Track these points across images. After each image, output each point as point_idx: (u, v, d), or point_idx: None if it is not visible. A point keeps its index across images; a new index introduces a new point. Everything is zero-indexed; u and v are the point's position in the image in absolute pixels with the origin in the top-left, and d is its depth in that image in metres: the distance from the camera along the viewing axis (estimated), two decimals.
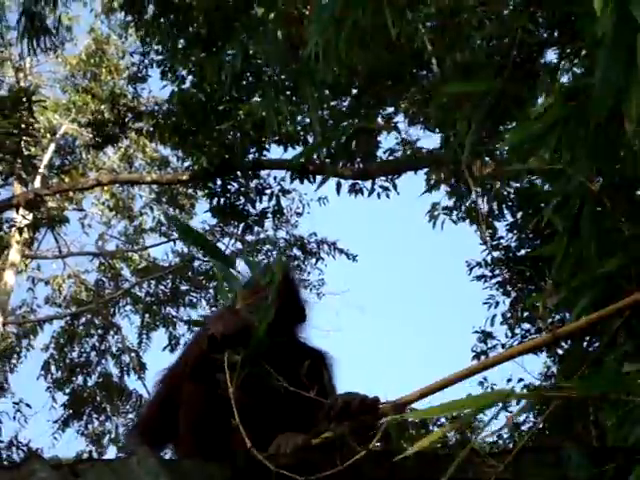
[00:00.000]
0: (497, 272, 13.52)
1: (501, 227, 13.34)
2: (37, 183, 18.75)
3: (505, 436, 13.71)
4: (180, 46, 14.28)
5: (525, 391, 13.13)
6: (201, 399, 3.75)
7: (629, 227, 3.07)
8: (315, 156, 14.57)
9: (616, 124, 3.03)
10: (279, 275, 3.68)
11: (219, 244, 19.60)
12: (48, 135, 21.38)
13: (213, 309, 19.69)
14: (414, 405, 3.24)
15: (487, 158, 11.27)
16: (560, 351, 10.79)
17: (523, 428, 12.83)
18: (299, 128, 14.37)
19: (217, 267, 3.68)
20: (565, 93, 3.14)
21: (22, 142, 14.38)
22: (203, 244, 3.93)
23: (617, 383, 2.56)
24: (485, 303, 13.57)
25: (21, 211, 15.93)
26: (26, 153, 14.58)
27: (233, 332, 3.50)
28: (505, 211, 13.26)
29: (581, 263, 3.13)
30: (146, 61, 15.99)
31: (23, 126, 14.44)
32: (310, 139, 14.77)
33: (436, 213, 12.84)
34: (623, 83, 2.80)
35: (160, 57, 15.09)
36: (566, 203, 3.18)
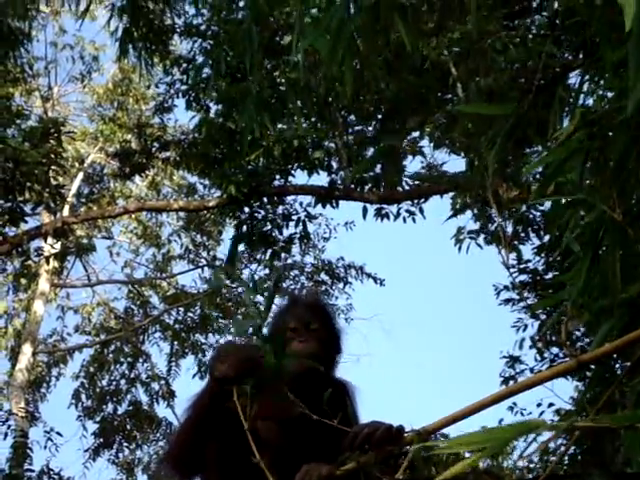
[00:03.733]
0: (525, 295, 13.45)
1: (528, 250, 13.29)
2: (65, 212, 18.86)
3: (535, 460, 13.62)
4: (205, 75, 14.39)
5: (556, 417, 13.09)
6: (223, 441, 3.75)
7: None
8: (339, 181, 14.63)
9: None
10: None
11: (246, 270, 19.68)
12: (76, 164, 21.55)
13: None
14: (444, 431, 3.23)
15: (511, 182, 11.26)
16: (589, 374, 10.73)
17: (552, 455, 12.73)
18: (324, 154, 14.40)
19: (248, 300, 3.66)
20: (586, 119, 3.14)
21: (50, 171, 14.47)
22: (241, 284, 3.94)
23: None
24: (513, 326, 13.50)
25: (49, 240, 16.02)
26: (54, 182, 14.68)
27: (237, 370, 3.49)
28: (531, 234, 13.22)
29: (602, 289, 3.12)
30: (172, 91, 16.08)
31: (52, 156, 14.56)
32: (335, 164, 14.82)
33: (462, 237, 12.81)
34: None
35: (185, 87, 15.18)
36: (588, 230, 3.18)
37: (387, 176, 14.51)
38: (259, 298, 3.67)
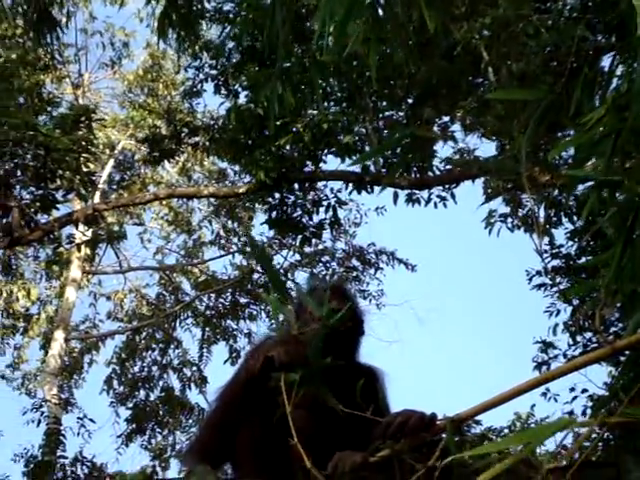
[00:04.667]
0: (558, 280, 13.36)
1: (561, 235, 13.19)
2: (96, 199, 18.92)
3: (569, 446, 13.52)
4: (235, 60, 14.37)
5: (589, 402, 13.00)
6: (258, 425, 3.73)
7: None
8: (372, 166, 14.55)
9: None
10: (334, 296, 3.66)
11: (277, 256, 19.67)
12: (107, 151, 21.62)
13: (273, 322, 19.69)
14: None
15: (543, 166, 11.17)
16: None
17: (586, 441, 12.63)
18: (356, 138, 14.34)
19: (268, 299, 3.64)
20: (617, 102, 3.09)
21: (81, 158, 14.50)
22: (268, 268, 3.90)
23: None
24: (546, 312, 13.41)
25: (80, 227, 16.07)
26: (85, 169, 14.71)
27: (292, 359, 3.48)
28: (564, 219, 13.11)
29: (636, 274, 3.06)
30: (201, 75, 16.07)
31: (83, 143, 14.58)
32: (367, 149, 14.75)
33: (492, 220, 12.73)
34: None
35: (214, 72, 15.18)
36: (620, 213, 3.12)
37: (418, 161, 14.43)
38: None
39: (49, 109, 15.46)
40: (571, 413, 13.60)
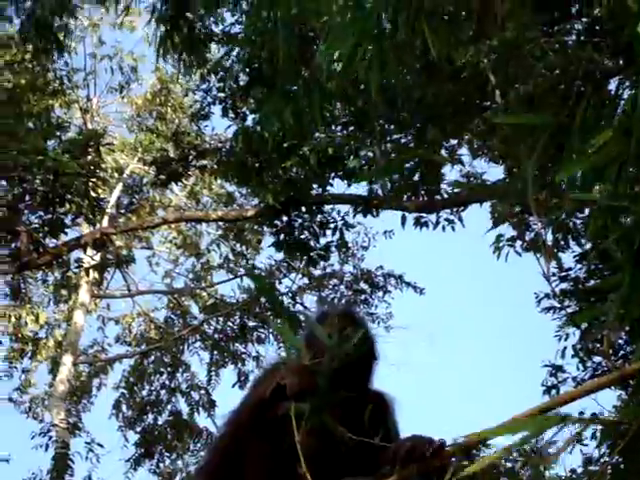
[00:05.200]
0: (566, 303, 13.33)
1: (569, 258, 13.17)
2: (105, 223, 18.94)
3: (579, 471, 13.48)
4: (242, 83, 14.41)
5: (599, 426, 12.94)
6: (265, 457, 3.72)
7: None
8: (379, 190, 14.56)
9: None
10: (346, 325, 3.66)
11: (286, 279, 19.68)
12: (115, 175, 21.65)
13: (281, 346, 19.69)
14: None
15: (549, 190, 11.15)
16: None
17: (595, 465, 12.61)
18: (363, 162, 14.35)
19: (278, 328, 3.68)
20: (623, 125, 3.09)
21: (90, 183, 14.54)
22: (273, 301, 3.92)
23: None
24: (555, 336, 13.38)
25: (89, 251, 16.09)
26: (93, 194, 14.74)
27: (304, 389, 3.48)
28: (572, 242, 13.08)
29: None
30: (209, 98, 16.12)
31: (91, 167, 14.63)
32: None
33: (500, 245, 12.72)
34: None
35: (222, 94, 15.23)
36: (627, 237, 3.11)
37: (426, 184, 14.43)
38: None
39: (58, 134, 15.50)
40: (580, 435, 13.55)
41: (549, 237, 12.63)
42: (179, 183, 19.42)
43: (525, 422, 2.54)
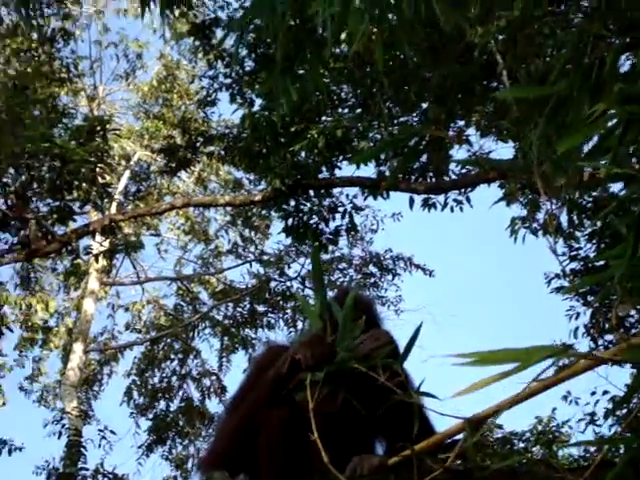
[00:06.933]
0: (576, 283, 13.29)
1: (581, 238, 13.11)
2: (113, 210, 18.94)
3: (592, 449, 13.46)
4: (248, 68, 14.38)
5: (610, 404, 12.92)
6: (281, 422, 3.71)
7: None
8: (387, 171, 14.51)
9: None
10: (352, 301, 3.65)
11: (295, 264, 19.66)
12: (122, 162, 21.65)
13: (291, 330, 19.72)
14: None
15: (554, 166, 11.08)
16: None
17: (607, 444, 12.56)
18: (371, 144, 14.30)
19: (301, 298, 3.70)
20: (623, 97, 3.06)
21: (97, 170, 14.52)
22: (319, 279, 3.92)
23: None
24: (566, 315, 13.34)
25: (97, 238, 16.08)
26: (101, 181, 14.73)
27: (318, 360, 3.48)
28: (585, 221, 13.02)
29: None
30: (215, 85, 16.08)
31: (98, 154, 14.60)
32: (382, 156, 14.71)
33: (517, 227, 12.67)
34: None
35: (229, 80, 15.20)
36: (631, 207, 3.08)
37: (434, 165, 14.39)
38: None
39: (64, 121, 15.48)
40: (592, 415, 13.53)
41: (562, 216, 12.56)
42: (187, 170, 19.41)
43: (514, 353, 2.52)
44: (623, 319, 10.90)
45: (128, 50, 23.23)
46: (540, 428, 14.76)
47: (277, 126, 13.55)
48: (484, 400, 3.21)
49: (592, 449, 13.35)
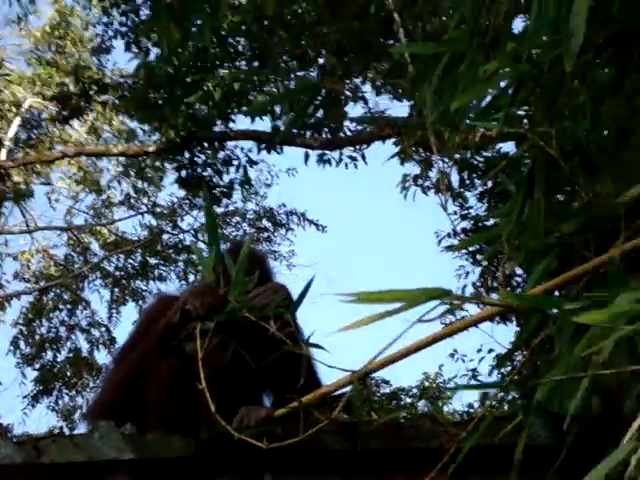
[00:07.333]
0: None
1: (472, 198, 13.30)
2: (2, 156, 18.56)
3: (476, 405, 13.78)
4: (144, 17, 14.19)
5: (495, 361, 13.20)
6: (170, 373, 3.73)
7: (586, 191, 3.04)
8: (282, 126, 14.51)
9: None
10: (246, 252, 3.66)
11: (188, 217, 19.59)
12: (13, 108, 21.16)
13: (183, 283, 19.67)
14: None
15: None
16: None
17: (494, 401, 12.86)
18: (267, 98, 14.28)
19: (195, 249, 3.71)
20: (516, 55, 3.12)
21: None
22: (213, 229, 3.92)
23: None
24: (456, 275, 13.57)
25: None
26: None
27: (208, 310, 3.50)
28: (476, 180, 13.21)
29: (534, 228, 3.11)
30: (110, 32, 15.82)
31: None
32: (278, 110, 14.70)
33: (407, 185, 12.81)
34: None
35: (124, 28, 14.97)
36: (522, 168, 3.16)
37: (329, 121, 14.43)
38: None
39: None
40: (474, 371, 13.84)
41: (453, 175, 12.71)
42: (79, 119, 19.09)
43: (399, 293, 2.57)
44: (510, 278, 11.13)
45: None
46: (427, 384, 15.06)
47: (172, 77, 13.45)
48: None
49: (475, 405, 13.68)
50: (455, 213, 13.18)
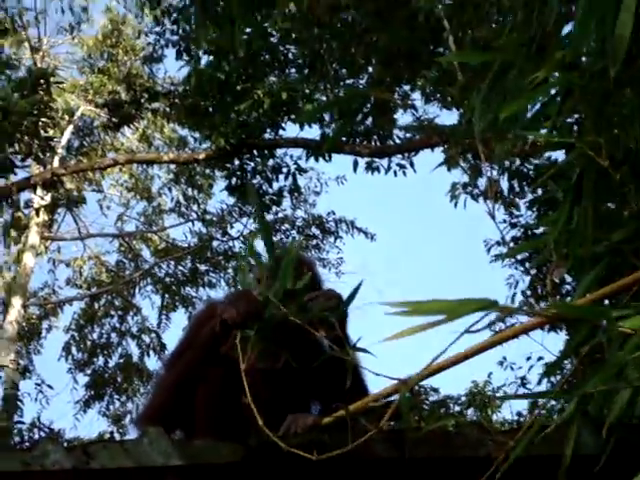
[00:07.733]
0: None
1: (522, 206, 13.22)
2: (55, 163, 18.76)
3: (525, 414, 13.67)
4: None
5: (544, 369, 13.10)
6: (218, 380, 3.74)
7: (637, 199, 3.02)
8: (331, 134, 14.54)
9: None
10: (293, 256, 3.66)
11: (237, 224, 19.67)
12: (66, 116, 21.36)
13: (231, 289, 19.72)
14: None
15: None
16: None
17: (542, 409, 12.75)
18: (316, 106, 14.32)
19: (241, 257, 3.71)
20: (564, 63, 3.10)
21: (40, 123, 14.36)
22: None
23: None
24: (506, 284, 13.48)
25: (39, 191, 15.93)
26: (44, 134, 14.57)
27: (245, 317, 3.50)
28: (526, 188, 13.13)
29: (582, 236, 3.08)
30: (162, 41, 15.94)
31: (41, 107, 14.44)
32: (327, 117, 14.72)
33: (457, 193, 12.76)
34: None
35: (175, 37, 15.08)
36: (571, 176, 3.13)
37: (378, 128, 14.44)
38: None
39: (7, 72, 15.26)
40: (523, 379, 13.74)
41: (503, 184, 12.64)
42: (131, 126, 19.24)
43: (445, 304, 2.55)
44: (559, 286, 11.04)
45: (73, 3, 22.86)
46: (476, 392, 14.97)
47: (222, 84, 13.52)
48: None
49: (524, 413, 13.57)
50: (504, 221, 13.12)
